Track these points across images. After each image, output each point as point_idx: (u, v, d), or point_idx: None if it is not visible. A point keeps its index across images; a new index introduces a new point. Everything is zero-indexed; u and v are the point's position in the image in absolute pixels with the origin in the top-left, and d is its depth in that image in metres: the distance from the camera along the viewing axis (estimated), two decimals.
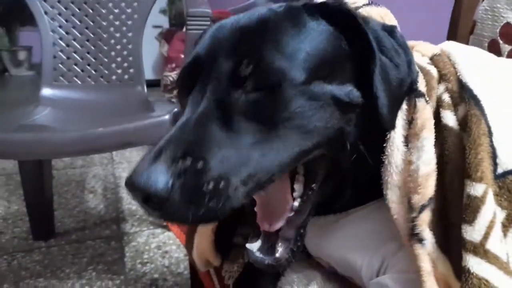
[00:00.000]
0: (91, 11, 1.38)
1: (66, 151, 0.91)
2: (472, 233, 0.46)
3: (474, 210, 0.46)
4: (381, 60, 0.49)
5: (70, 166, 1.99)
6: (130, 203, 1.68)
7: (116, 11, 1.39)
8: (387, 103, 0.49)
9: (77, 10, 1.37)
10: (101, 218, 1.59)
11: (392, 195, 0.50)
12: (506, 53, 0.95)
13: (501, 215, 0.49)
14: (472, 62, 0.58)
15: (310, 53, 0.47)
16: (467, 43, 1.04)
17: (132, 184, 0.37)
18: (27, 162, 1.33)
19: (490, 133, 0.50)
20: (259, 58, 0.44)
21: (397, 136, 0.50)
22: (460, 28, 1.02)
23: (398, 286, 0.51)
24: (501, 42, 0.97)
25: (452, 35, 1.03)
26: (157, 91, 2.71)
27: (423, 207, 0.48)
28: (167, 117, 0.96)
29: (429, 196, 0.48)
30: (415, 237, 0.48)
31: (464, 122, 0.52)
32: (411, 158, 0.49)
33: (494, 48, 0.97)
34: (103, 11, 1.38)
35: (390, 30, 0.53)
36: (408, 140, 0.51)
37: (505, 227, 0.48)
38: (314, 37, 0.49)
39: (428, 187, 0.48)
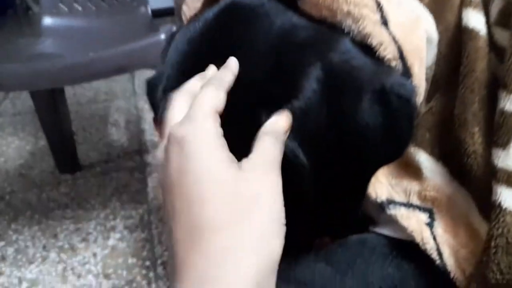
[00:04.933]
0: None
1: (58, 80, 0.86)
2: (506, 158, 0.35)
3: (509, 130, 0.35)
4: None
5: (94, 101, 1.98)
6: (152, 135, 1.66)
7: None
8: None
9: None
10: (124, 150, 1.59)
11: None
12: None
13: None
14: None
15: None
16: None
17: None
18: (40, 99, 1.31)
19: None
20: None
21: None
22: None
23: None
24: None
25: None
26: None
27: None
28: (162, 36, 0.87)
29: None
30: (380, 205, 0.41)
31: (503, 16, 0.40)
32: None
33: None
34: None
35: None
36: None
37: None
38: None
39: None
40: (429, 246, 0.38)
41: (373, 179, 0.41)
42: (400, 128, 0.37)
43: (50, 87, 1.02)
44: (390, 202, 0.41)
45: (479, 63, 0.39)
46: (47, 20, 1.22)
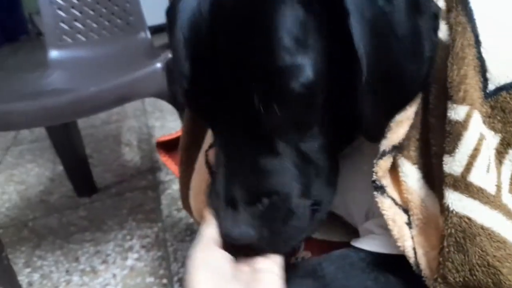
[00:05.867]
0: None
1: (64, 116, 0.90)
2: (452, 164, 0.38)
3: (455, 138, 0.38)
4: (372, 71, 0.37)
5: (106, 122, 2.04)
6: None
7: None
8: (375, 121, 0.40)
9: None
10: (138, 170, 1.64)
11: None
12: None
13: (494, 140, 0.40)
14: None
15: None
16: None
17: (230, 237, 0.41)
18: (53, 127, 1.36)
19: (477, 43, 0.40)
20: (269, 79, 0.37)
21: None
22: None
23: (381, 230, 0.45)
24: None
25: None
26: None
27: (384, 153, 0.41)
28: (159, 65, 0.91)
29: (394, 143, 0.41)
30: (373, 184, 0.41)
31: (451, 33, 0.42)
32: None
33: None
34: None
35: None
36: None
37: (500, 153, 0.40)
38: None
39: (396, 133, 0.41)
40: (408, 244, 0.41)
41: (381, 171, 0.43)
42: (426, 41, 0.40)
43: (57, 123, 1.07)
44: (384, 191, 0.42)
45: (443, 73, 0.41)
46: (53, 53, 1.27)
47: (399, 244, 0.41)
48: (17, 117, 0.88)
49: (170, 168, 0.92)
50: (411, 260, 0.40)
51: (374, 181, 0.42)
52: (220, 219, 0.42)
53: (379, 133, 0.41)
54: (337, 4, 0.36)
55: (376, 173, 0.42)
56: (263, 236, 0.40)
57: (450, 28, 0.42)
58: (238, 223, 0.40)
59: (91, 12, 1.30)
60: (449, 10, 0.44)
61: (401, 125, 0.41)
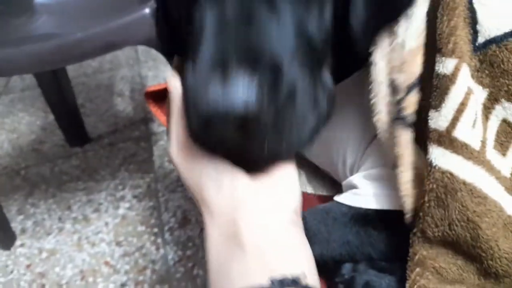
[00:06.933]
0: None
1: (51, 62, 0.87)
2: (438, 120, 0.37)
3: (442, 93, 0.37)
4: None
5: (99, 71, 1.99)
6: None
7: None
8: (364, 31, 0.39)
9: None
10: (130, 120, 1.62)
11: (373, 74, 0.41)
12: None
13: (482, 95, 0.39)
14: None
15: None
16: None
17: (220, 108, 0.30)
18: (41, 75, 1.33)
19: None
20: None
21: None
22: None
23: (367, 182, 0.45)
24: None
25: None
26: None
27: (411, 87, 0.39)
28: (147, 11, 0.87)
29: (416, 74, 0.39)
30: (400, 121, 0.39)
31: None
32: (396, 29, 0.40)
33: None
34: None
35: None
36: None
37: (487, 108, 0.39)
38: None
39: (415, 65, 0.39)
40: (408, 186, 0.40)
41: None
42: None
43: (45, 70, 1.04)
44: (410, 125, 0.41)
45: (432, 24, 0.39)
46: None
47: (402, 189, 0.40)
48: (4, 63, 0.85)
49: (159, 118, 0.91)
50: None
51: (403, 118, 0.39)
52: (201, 86, 0.31)
53: (367, 46, 0.40)
54: None
55: (405, 108, 0.39)
56: (263, 111, 0.31)
57: None
58: (233, 88, 0.30)
59: None
60: None
61: (418, 54, 0.39)
